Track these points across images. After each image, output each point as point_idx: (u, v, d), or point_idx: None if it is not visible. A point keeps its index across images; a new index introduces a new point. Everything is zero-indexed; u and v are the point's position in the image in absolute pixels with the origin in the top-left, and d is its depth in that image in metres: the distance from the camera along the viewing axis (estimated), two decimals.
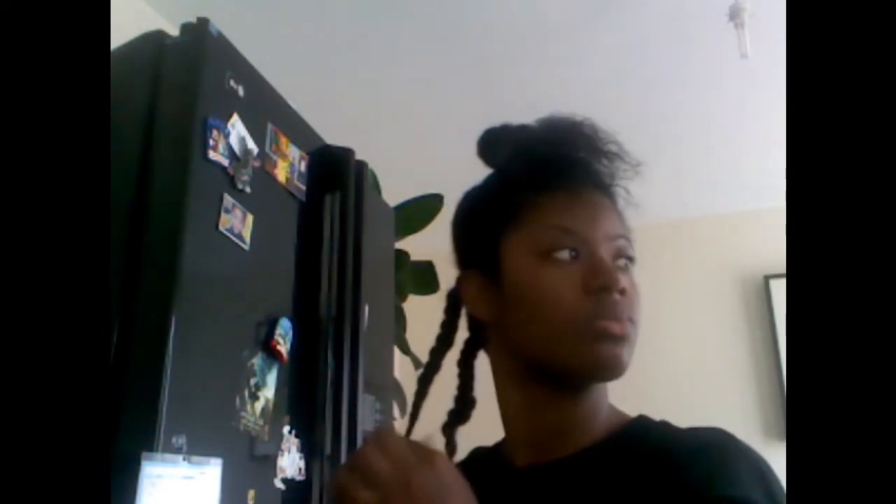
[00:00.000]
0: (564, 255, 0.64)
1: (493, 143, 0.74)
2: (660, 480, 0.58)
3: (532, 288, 0.64)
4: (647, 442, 0.63)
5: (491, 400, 0.73)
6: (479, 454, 0.77)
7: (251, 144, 1.37)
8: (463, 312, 0.76)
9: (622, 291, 0.63)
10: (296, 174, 1.53)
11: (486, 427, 0.77)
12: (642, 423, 0.68)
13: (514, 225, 0.68)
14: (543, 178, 0.68)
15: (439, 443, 0.72)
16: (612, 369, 0.63)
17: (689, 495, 0.55)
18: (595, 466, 0.63)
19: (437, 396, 0.76)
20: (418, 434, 0.61)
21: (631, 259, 0.68)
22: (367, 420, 1.56)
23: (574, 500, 0.62)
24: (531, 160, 0.70)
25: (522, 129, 0.73)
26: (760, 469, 0.58)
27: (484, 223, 0.71)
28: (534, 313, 0.64)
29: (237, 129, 1.34)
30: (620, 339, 0.62)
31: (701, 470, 0.57)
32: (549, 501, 0.64)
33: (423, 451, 0.53)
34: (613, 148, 0.71)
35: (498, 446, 0.76)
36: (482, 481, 0.64)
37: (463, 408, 0.75)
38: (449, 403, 0.76)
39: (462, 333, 0.77)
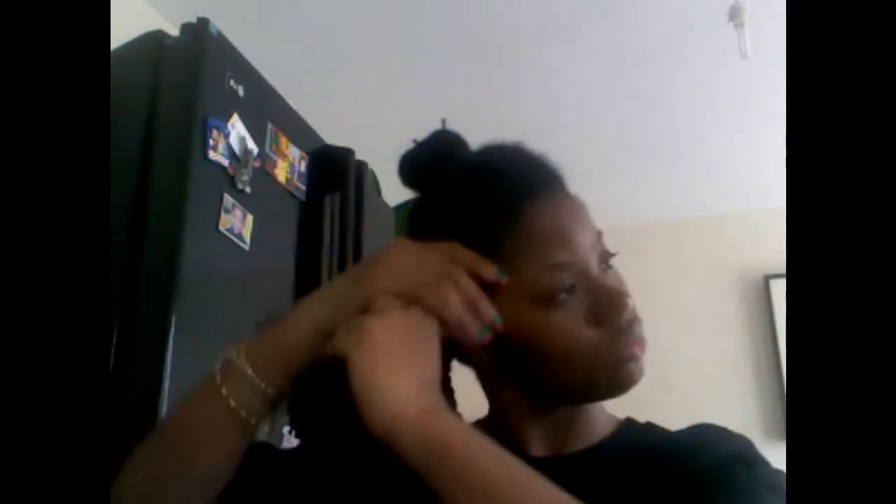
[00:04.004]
0: (569, 292, 0.59)
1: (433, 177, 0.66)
2: (661, 468, 0.60)
3: (543, 340, 0.59)
4: (649, 437, 0.66)
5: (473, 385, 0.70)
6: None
7: (251, 144, 1.37)
8: None
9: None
10: (296, 174, 1.53)
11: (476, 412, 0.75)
12: (636, 422, 0.70)
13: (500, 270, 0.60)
14: (511, 202, 0.60)
15: None
16: (635, 384, 0.62)
17: (680, 471, 0.58)
18: (611, 458, 0.64)
19: None
20: None
21: (613, 256, 0.64)
22: None
23: (598, 487, 0.62)
24: (494, 187, 0.62)
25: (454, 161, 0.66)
26: (748, 442, 0.61)
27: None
28: (552, 364, 0.60)
29: (237, 129, 1.34)
30: (640, 357, 0.62)
31: (688, 448, 0.60)
32: (577, 489, 0.63)
33: None
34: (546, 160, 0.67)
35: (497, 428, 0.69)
36: None
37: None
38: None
39: None
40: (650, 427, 0.69)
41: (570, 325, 0.59)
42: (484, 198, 0.62)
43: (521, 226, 0.60)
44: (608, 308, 0.59)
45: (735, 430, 0.63)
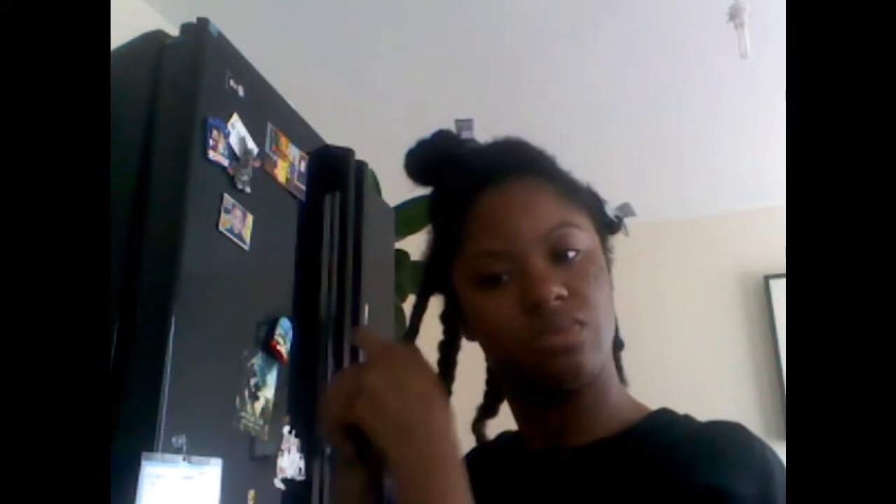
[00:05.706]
0: (499, 279, 0.62)
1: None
2: (656, 469, 0.58)
3: (480, 318, 0.64)
4: (658, 434, 0.63)
5: None
6: (504, 437, 0.77)
7: (251, 144, 1.37)
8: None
9: (560, 297, 0.60)
10: (296, 174, 1.53)
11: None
12: (661, 416, 0.67)
13: (456, 255, 0.66)
14: (465, 191, 0.66)
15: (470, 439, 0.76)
16: (574, 378, 0.61)
17: (674, 481, 0.56)
18: (597, 457, 0.63)
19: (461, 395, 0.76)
20: None
21: (577, 251, 0.63)
22: None
23: (575, 485, 0.63)
24: (456, 176, 0.68)
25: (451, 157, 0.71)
26: (766, 465, 0.56)
27: (434, 260, 0.71)
28: (488, 340, 0.66)
29: (237, 129, 1.34)
30: (568, 348, 0.60)
31: (691, 456, 0.57)
32: (549, 485, 0.65)
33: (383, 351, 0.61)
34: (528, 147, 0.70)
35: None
36: (499, 462, 0.72)
37: (491, 402, 0.76)
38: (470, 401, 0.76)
39: None
40: (672, 424, 0.65)
41: (500, 308, 0.62)
42: (448, 190, 0.69)
43: (470, 214, 0.65)
44: (527, 295, 0.61)
45: (761, 446, 0.58)
